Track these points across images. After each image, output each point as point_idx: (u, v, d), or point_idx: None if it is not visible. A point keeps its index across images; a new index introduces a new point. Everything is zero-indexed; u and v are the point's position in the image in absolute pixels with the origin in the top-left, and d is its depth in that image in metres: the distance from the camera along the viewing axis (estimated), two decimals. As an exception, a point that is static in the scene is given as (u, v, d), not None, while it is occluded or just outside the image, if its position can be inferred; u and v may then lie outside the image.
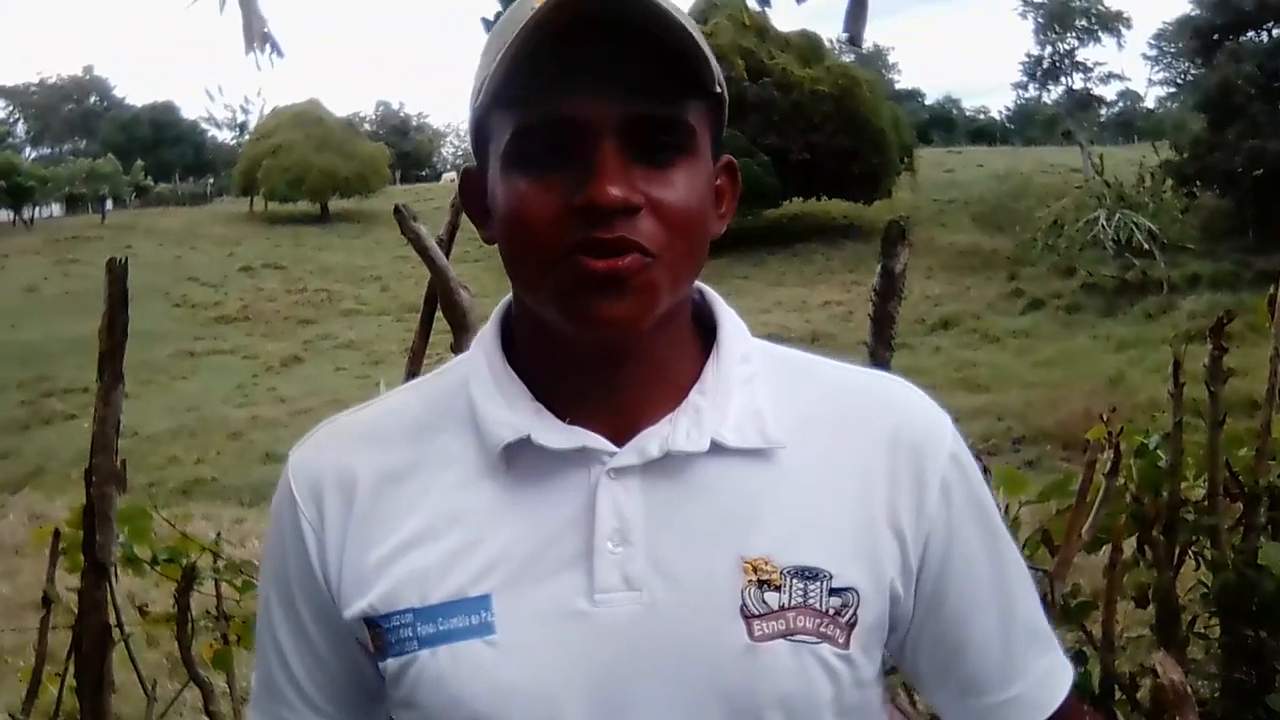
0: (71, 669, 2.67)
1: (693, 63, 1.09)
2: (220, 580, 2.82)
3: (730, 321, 1.25)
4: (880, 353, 2.62)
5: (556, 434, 1.16)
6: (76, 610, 2.60)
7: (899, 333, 2.65)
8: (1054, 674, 1.30)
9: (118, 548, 2.59)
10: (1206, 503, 3.11)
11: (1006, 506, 2.84)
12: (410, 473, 1.20)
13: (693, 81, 1.11)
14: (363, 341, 33.24)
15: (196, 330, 34.86)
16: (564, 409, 1.17)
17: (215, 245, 46.53)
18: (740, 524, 1.16)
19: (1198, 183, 35.97)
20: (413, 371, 2.74)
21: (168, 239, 46.24)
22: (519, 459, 1.17)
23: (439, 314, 2.65)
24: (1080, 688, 2.87)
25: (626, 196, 1.07)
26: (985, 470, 2.81)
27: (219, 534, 3.05)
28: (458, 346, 2.55)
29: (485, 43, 1.17)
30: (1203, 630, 3.19)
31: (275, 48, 3.67)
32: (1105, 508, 2.85)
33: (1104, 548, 3.00)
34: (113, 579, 2.60)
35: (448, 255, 2.61)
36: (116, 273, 2.46)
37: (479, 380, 1.21)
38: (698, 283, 1.23)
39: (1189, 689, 2.54)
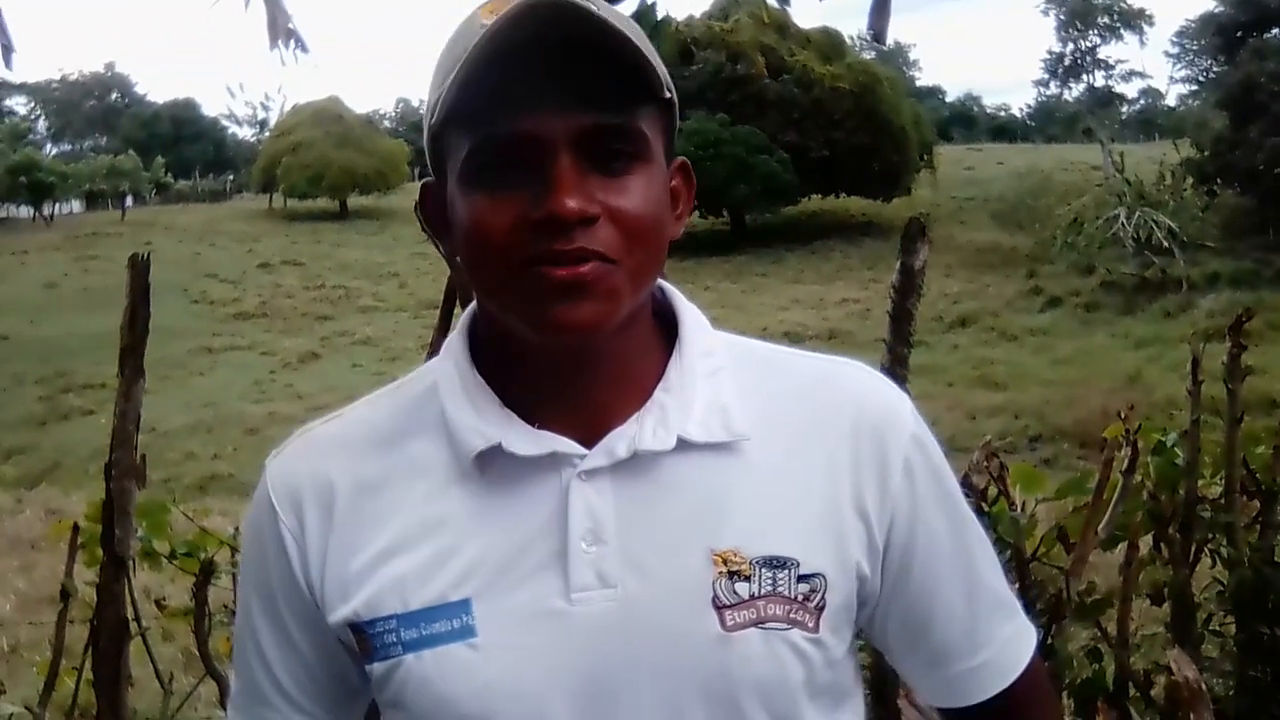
0: (89, 663, 2.68)
1: (640, 72, 1.12)
2: (237, 575, 2.83)
3: (691, 317, 1.28)
4: (898, 350, 2.62)
5: (526, 440, 1.19)
6: (94, 604, 2.61)
7: (917, 330, 2.65)
8: (1018, 640, 1.35)
9: (136, 542, 2.60)
10: (1223, 500, 3.11)
11: (1023, 504, 2.85)
12: (386, 481, 1.24)
13: (642, 89, 1.13)
14: (380, 338, 33.29)
15: (215, 326, 34.95)
16: (532, 414, 1.20)
17: (234, 242, 46.65)
18: (709, 517, 1.19)
19: (1218, 180, 35.83)
20: (430, 368, 2.74)
21: (187, 235, 46.38)
22: (491, 465, 1.20)
23: (458, 310, 2.65)
24: (1094, 684, 2.89)
25: (584, 208, 1.10)
26: (1003, 467, 2.83)
27: (236, 528, 3.06)
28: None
29: (437, 59, 1.19)
30: (1218, 628, 3.19)
31: (300, 43, 3.69)
32: (1122, 505, 2.85)
33: (1120, 545, 3.00)
34: (131, 573, 2.61)
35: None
36: (139, 268, 2.47)
37: (449, 388, 1.24)
38: (659, 280, 1.25)
39: (1204, 686, 2.54)
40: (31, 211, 54.02)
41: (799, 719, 1.20)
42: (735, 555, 1.18)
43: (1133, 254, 32.72)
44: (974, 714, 1.34)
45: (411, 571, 1.19)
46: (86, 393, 27.57)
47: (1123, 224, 32.94)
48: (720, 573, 1.17)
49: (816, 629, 1.19)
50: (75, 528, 2.87)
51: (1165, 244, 32.01)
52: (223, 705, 2.79)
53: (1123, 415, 2.86)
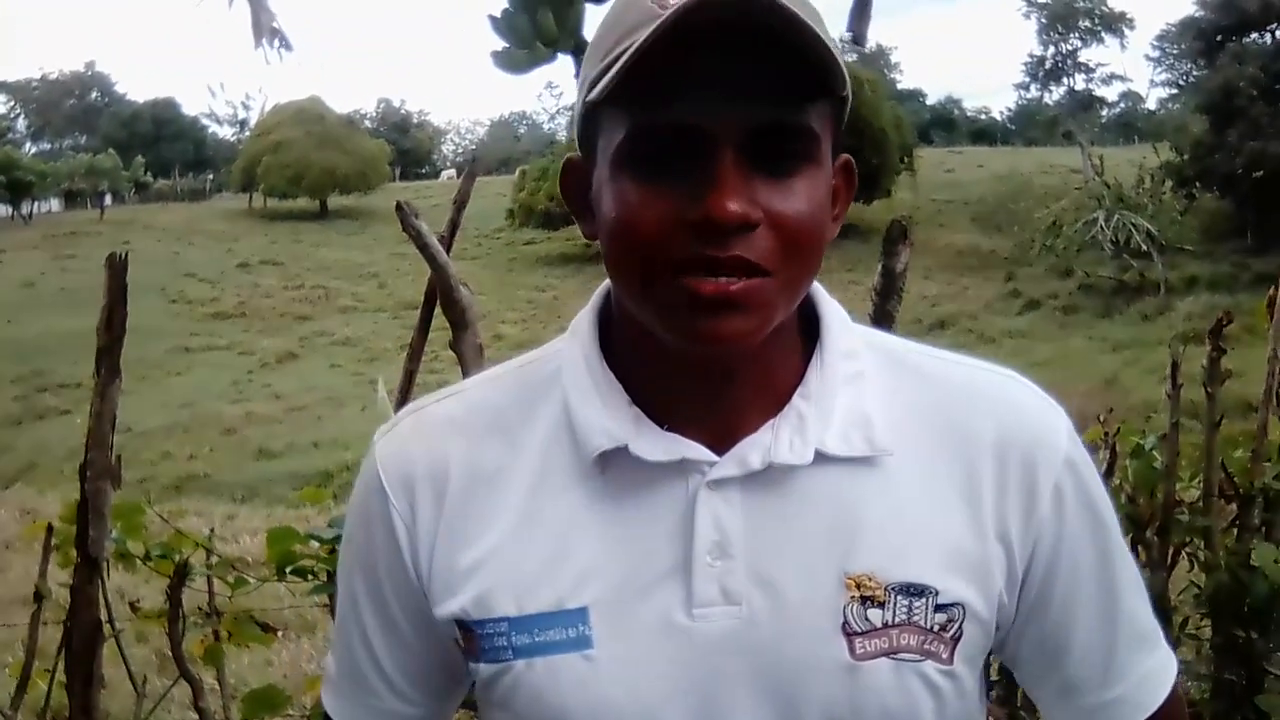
0: (61, 664, 2.66)
1: (821, 67, 1.03)
2: (212, 576, 2.81)
3: (834, 316, 1.20)
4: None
5: (654, 445, 1.12)
6: (67, 605, 2.60)
7: (896, 333, 2.64)
8: (1156, 674, 1.26)
9: (111, 543, 2.58)
10: (1201, 504, 3.11)
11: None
12: (501, 471, 1.18)
13: (819, 85, 1.05)
14: (359, 339, 33.24)
15: (193, 326, 34.83)
16: (661, 412, 1.14)
17: (213, 241, 46.51)
18: (843, 538, 1.12)
19: (1197, 184, 35.99)
20: (411, 369, 2.73)
21: (166, 235, 46.22)
22: (615, 466, 1.14)
23: (438, 311, 2.64)
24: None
25: (746, 212, 1.02)
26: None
27: (212, 530, 3.04)
28: (457, 344, 2.55)
29: (596, 35, 1.12)
30: (1194, 631, 3.19)
31: (284, 42, 3.67)
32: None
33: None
34: (105, 574, 2.59)
35: (448, 252, 2.60)
36: (116, 267, 2.45)
37: (574, 378, 1.18)
38: None
39: (1180, 689, 2.54)
40: (10, 210, 53.78)
41: None
42: (869, 580, 1.11)
43: (1111, 257, 32.88)
44: None
45: (525, 572, 1.14)
46: (63, 392, 27.44)
47: (1101, 227, 33.09)
48: (852, 597, 1.11)
49: (951, 660, 1.13)
50: (50, 529, 2.85)
51: (1144, 247, 32.17)
52: (196, 707, 2.78)
53: (1101, 418, 2.86)
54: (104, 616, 2.62)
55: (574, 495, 1.15)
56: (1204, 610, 3.11)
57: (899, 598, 1.11)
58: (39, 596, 2.87)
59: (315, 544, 2.54)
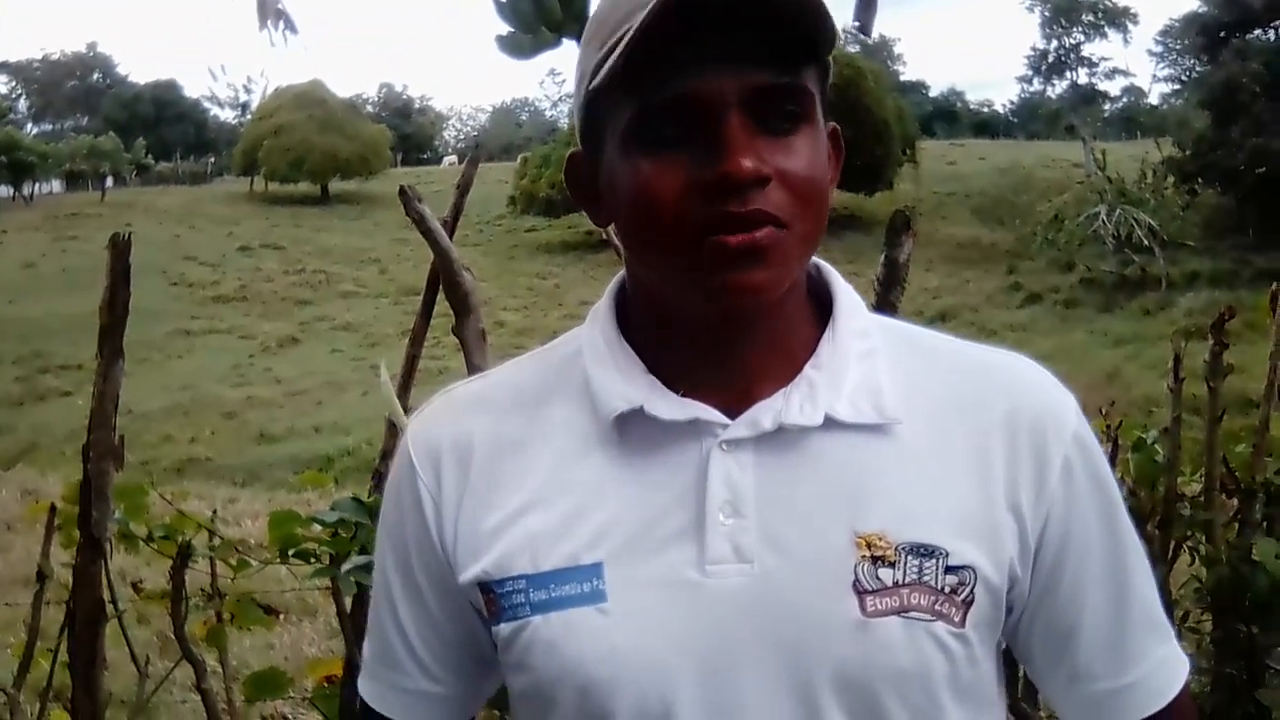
0: (64, 645, 2.66)
1: (810, 28, 1.08)
2: (215, 558, 2.81)
3: (847, 296, 1.24)
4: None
5: (669, 405, 1.16)
6: (70, 586, 2.60)
7: (901, 322, 2.64)
8: (1170, 664, 1.26)
9: (113, 524, 2.58)
10: (1202, 498, 3.12)
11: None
12: (524, 441, 1.22)
13: (808, 48, 1.10)
14: (360, 323, 33.26)
15: (193, 309, 34.84)
16: (677, 381, 1.18)
17: (214, 225, 46.49)
18: (854, 499, 1.14)
19: (1199, 180, 35.99)
20: (413, 354, 2.73)
21: (167, 218, 46.20)
22: (631, 430, 1.18)
23: (440, 297, 2.64)
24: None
25: (758, 168, 1.06)
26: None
27: (215, 512, 3.04)
28: (459, 329, 2.55)
29: (590, 26, 1.16)
30: (1194, 625, 3.20)
31: (289, 24, 3.66)
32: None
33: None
34: (108, 555, 2.59)
35: (451, 237, 2.60)
36: (120, 248, 2.44)
37: (593, 352, 1.22)
38: (814, 259, 1.22)
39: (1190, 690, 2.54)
40: (11, 191, 53.76)
41: (940, 718, 1.15)
42: (880, 540, 1.13)
43: (1112, 251, 32.87)
44: None
45: (543, 532, 1.17)
46: (64, 374, 27.47)
47: (1103, 221, 33.08)
48: (863, 556, 1.12)
49: (962, 624, 1.14)
50: (53, 508, 2.85)
51: (1145, 242, 32.16)
52: (199, 688, 2.78)
53: (1104, 412, 2.86)
54: (106, 597, 2.62)
55: (593, 459, 1.19)
56: (1205, 604, 3.11)
57: (909, 558, 1.13)
58: (42, 576, 2.87)
59: (318, 527, 2.54)
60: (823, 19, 1.08)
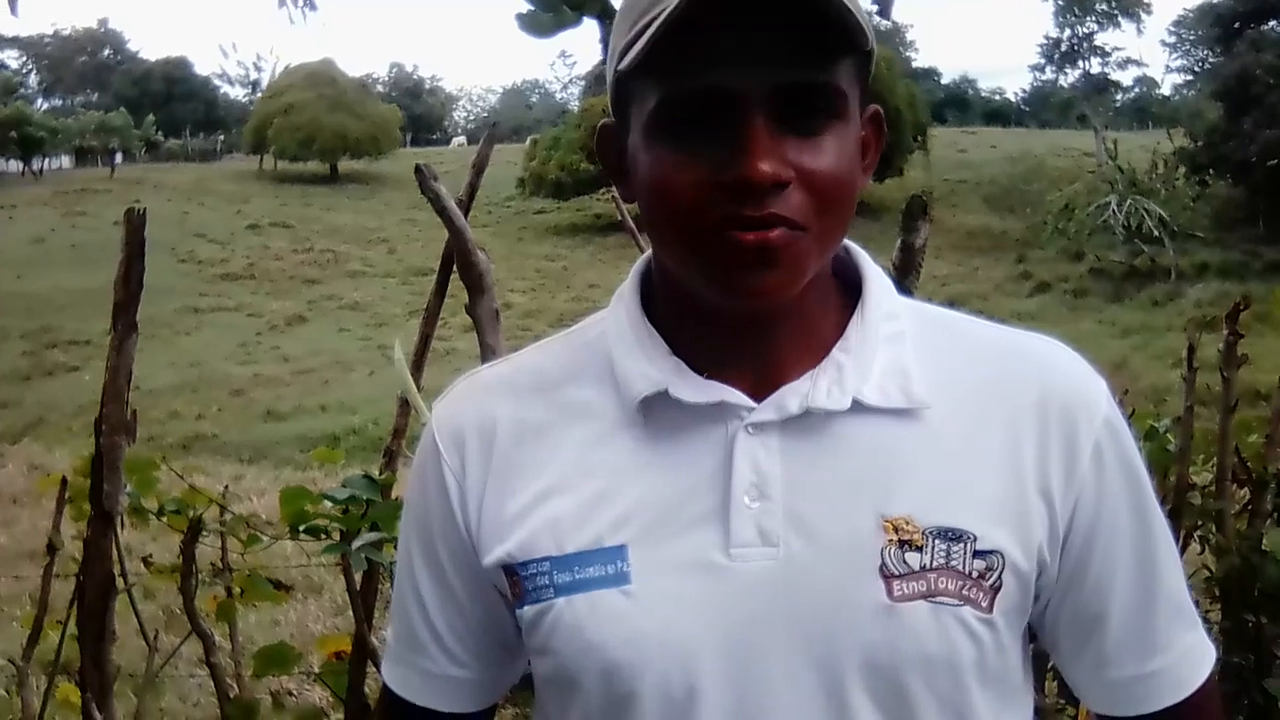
0: (73, 617, 2.67)
1: (843, 25, 1.06)
2: (226, 534, 2.82)
3: (876, 278, 1.23)
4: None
5: (694, 388, 1.16)
6: (78, 559, 2.60)
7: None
8: (1196, 652, 1.25)
9: (124, 498, 2.59)
10: (1214, 487, 3.11)
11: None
12: (549, 424, 1.22)
13: (844, 42, 1.08)
14: (367, 303, 33.21)
15: (202, 286, 34.80)
16: (703, 363, 1.17)
17: (223, 202, 46.44)
18: (881, 483, 1.14)
19: (1211, 171, 35.82)
20: (426, 333, 2.73)
21: (176, 195, 46.15)
22: (656, 412, 1.17)
23: (454, 276, 2.64)
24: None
25: (777, 172, 1.05)
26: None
27: (226, 487, 3.05)
28: (473, 307, 2.54)
29: (623, 4, 1.15)
30: (1203, 615, 3.19)
31: (309, 1, 3.65)
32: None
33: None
34: (118, 529, 2.59)
35: (466, 216, 2.59)
36: (135, 222, 2.44)
37: (618, 335, 1.22)
38: (844, 240, 1.21)
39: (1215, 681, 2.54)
40: (21, 166, 53.77)
41: (968, 705, 1.14)
42: (907, 524, 1.12)
43: (1122, 242, 32.75)
44: None
45: (568, 514, 1.17)
46: (72, 349, 27.47)
47: (1114, 211, 32.95)
48: (890, 540, 1.11)
49: (990, 609, 1.13)
50: (64, 482, 2.85)
51: (1155, 233, 32.04)
52: (208, 662, 2.79)
53: (1118, 400, 2.85)
54: (116, 571, 2.63)
55: (617, 443, 1.19)
56: (1214, 594, 3.11)
57: (937, 542, 1.12)
58: (52, 549, 2.88)
59: (328, 504, 2.54)
60: (853, 13, 1.05)
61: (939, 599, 1.11)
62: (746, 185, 1.05)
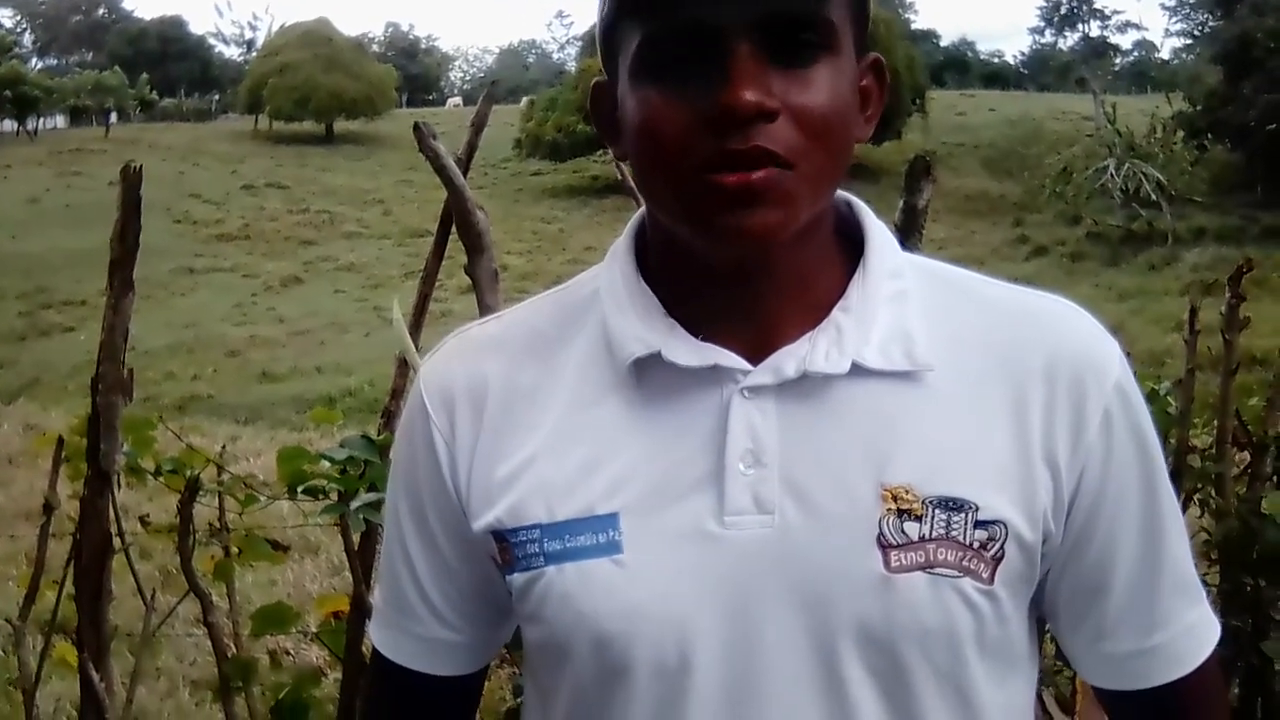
0: (69, 577, 2.66)
1: None
2: (223, 494, 2.81)
3: (879, 235, 1.18)
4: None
5: (688, 351, 1.12)
6: (75, 519, 2.59)
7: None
8: (1199, 629, 1.22)
9: (121, 457, 2.58)
10: (1214, 450, 3.11)
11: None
12: (539, 386, 1.18)
13: None
14: (363, 264, 33.13)
15: (197, 247, 34.68)
16: (698, 325, 1.13)
17: (218, 162, 46.26)
18: (881, 450, 1.10)
19: (1209, 135, 35.69)
20: (425, 293, 2.71)
21: (171, 154, 45.96)
22: (649, 375, 1.14)
23: (453, 235, 2.62)
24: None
25: (761, 101, 1.00)
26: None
27: (224, 446, 3.03)
28: (471, 267, 2.53)
29: None
30: (1202, 577, 3.20)
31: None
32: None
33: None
34: (115, 488, 2.59)
35: (465, 175, 2.57)
36: (131, 179, 2.42)
37: (611, 294, 1.18)
38: (845, 194, 1.18)
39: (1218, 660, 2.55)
40: (15, 125, 53.56)
41: (966, 677, 1.11)
42: (907, 493, 1.08)
43: (1120, 206, 32.69)
44: (1136, 705, 1.23)
45: (558, 480, 1.14)
46: (67, 309, 27.41)
47: (1111, 175, 32.87)
48: (889, 509, 1.08)
49: (991, 581, 1.09)
50: (60, 441, 2.84)
51: (1153, 197, 31.98)
52: (206, 622, 2.79)
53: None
54: (113, 530, 2.62)
55: (609, 406, 1.15)
56: (1213, 557, 3.12)
57: (937, 512, 1.09)
58: (49, 508, 2.87)
59: (326, 464, 2.53)
60: None
61: (937, 570, 1.08)
62: (729, 114, 1.01)
